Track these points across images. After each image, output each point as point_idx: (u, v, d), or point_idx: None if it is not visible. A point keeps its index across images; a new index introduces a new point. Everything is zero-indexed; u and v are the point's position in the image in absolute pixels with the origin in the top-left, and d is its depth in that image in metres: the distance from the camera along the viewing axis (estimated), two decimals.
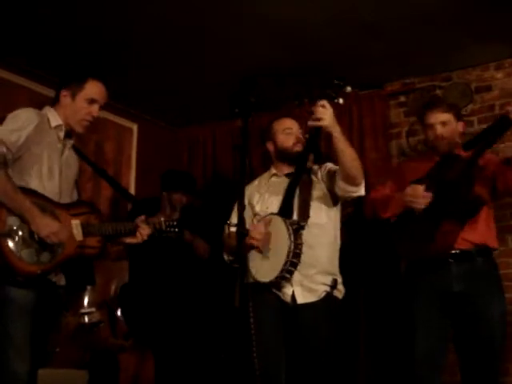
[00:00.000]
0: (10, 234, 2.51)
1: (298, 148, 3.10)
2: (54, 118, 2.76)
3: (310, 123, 2.77)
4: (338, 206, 3.13)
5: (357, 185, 2.91)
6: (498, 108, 4.16)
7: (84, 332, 3.45)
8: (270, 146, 3.19)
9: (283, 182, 3.09)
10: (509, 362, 3.68)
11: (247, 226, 3.02)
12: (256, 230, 2.89)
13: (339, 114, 4.60)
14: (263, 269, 2.87)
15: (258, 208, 3.11)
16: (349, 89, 2.82)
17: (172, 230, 3.01)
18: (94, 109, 2.79)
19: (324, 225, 3.00)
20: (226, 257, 3.16)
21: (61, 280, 2.74)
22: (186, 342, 4.00)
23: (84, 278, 3.51)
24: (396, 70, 4.39)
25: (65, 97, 2.78)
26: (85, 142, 4.55)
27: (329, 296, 2.92)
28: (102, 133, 4.80)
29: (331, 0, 3.47)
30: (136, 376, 3.81)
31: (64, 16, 3.60)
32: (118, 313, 3.71)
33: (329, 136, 2.84)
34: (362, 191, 2.96)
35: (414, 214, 2.92)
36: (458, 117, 3.10)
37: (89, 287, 3.58)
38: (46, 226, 2.55)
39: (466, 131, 4.10)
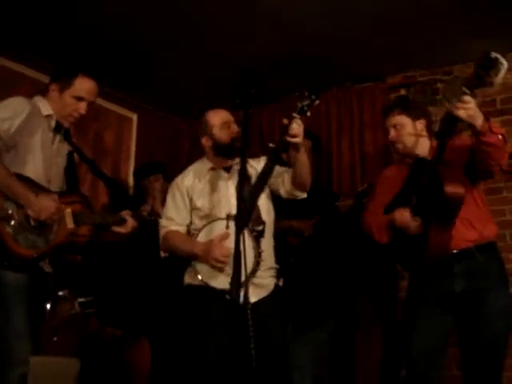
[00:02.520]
0: (7, 219, 2.54)
1: (238, 143, 3.02)
2: (45, 107, 2.76)
3: (287, 139, 2.78)
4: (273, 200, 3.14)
5: (305, 190, 3.02)
6: (499, 102, 4.16)
7: (79, 320, 3.47)
8: (207, 142, 3.11)
9: (223, 176, 3.07)
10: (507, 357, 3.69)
11: (186, 221, 3.04)
12: (220, 251, 2.81)
13: (339, 107, 4.68)
14: (216, 274, 2.84)
15: (199, 203, 3.03)
16: (317, 102, 2.85)
17: (155, 222, 3.10)
18: (82, 106, 2.77)
19: (266, 222, 2.98)
20: (162, 254, 3.13)
21: (48, 267, 2.76)
22: (182, 329, 4.01)
23: (81, 267, 3.52)
24: (397, 63, 4.39)
25: (53, 91, 2.77)
26: (84, 131, 4.55)
27: (276, 287, 2.99)
28: (102, 122, 4.80)
29: None
30: (130, 364, 3.81)
31: (65, 6, 3.59)
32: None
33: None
34: (305, 195, 3.06)
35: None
36: (415, 116, 3.05)
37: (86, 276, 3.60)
38: (45, 208, 2.58)
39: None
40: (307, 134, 3.18)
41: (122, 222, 2.90)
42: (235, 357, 2.52)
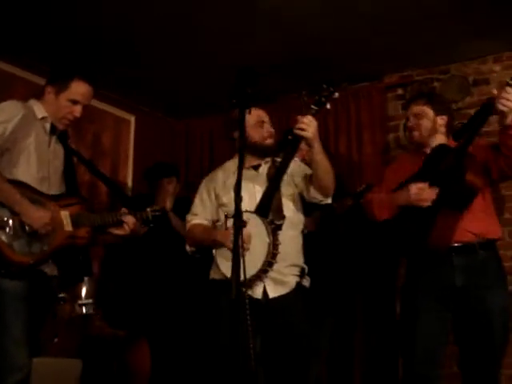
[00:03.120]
0: (2, 226, 2.53)
1: (269, 142, 3.09)
2: (39, 110, 2.76)
3: (295, 132, 2.81)
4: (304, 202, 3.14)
5: (327, 195, 2.99)
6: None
7: (80, 322, 3.47)
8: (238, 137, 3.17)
9: (251, 174, 3.09)
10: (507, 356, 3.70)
11: (211, 217, 3.10)
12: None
13: (336, 106, 4.69)
14: None
15: (225, 199, 3.06)
16: (337, 94, 2.86)
17: (158, 218, 3.06)
18: (77, 109, 2.77)
19: (291, 218, 3.00)
20: (188, 248, 3.16)
21: (53, 270, 2.75)
22: (181, 331, 4.02)
23: (82, 269, 3.53)
24: (394, 63, 4.39)
25: (49, 93, 2.77)
26: (82, 134, 4.55)
27: (299, 285, 2.96)
28: (100, 124, 4.80)
29: None
30: (131, 365, 3.82)
31: (62, 8, 3.59)
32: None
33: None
34: (329, 200, 3.04)
35: (409, 210, 2.92)
36: (439, 110, 3.09)
37: (86, 278, 3.60)
38: (39, 217, 2.57)
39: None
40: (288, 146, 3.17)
41: (121, 222, 2.88)
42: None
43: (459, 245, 2.88)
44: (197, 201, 3.17)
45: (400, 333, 3.13)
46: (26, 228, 2.56)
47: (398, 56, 4.26)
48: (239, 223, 2.25)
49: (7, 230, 2.54)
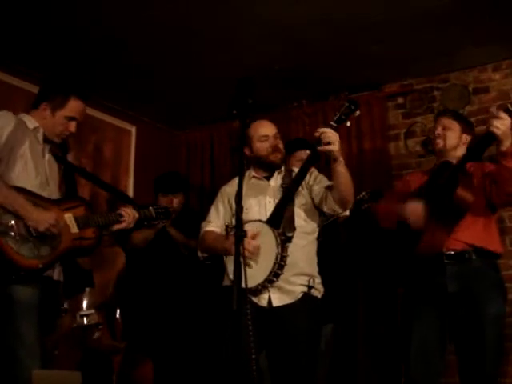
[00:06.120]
0: (7, 231, 2.53)
1: (274, 157, 3.12)
2: (30, 121, 2.79)
3: (320, 148, 2.81)
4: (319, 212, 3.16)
5: (345, 208, 3.01)
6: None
7: (81, 333, 3.45)
8: (247, 151, 3.17)
9: (263, 184, 3.14)
10: (507, 364, 3.68)
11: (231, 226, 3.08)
12: (251, 244, 2.85)
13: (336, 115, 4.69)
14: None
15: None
16: (358, 112, 2.90)
17: (162, 216, 3.09)
18: (72, 125, 2.84)
19: (302, 228, 3.01)
20: (199, 254, 3.19)
21: (59, 275, 2.77)
22: (183, 343, 4.01)
23: (83, 280, 3.52)
24: (394, 72, 4.41)
25: (44, 110, 2.81)
26: (83, 144, 4.56)
27: (306, 296, 2.94)
28: (101, 135, 4.81)
29: (331, 1, 3.48)
30: (132, 378, 3.80)
31: (62, 18, 3.60)
32: (117, 315, 3.71)
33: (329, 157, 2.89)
34: (347, 213, 3.09)
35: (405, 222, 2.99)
36: (466, 129, 3.17)
37: (87, 289, 3.59)
38: (43, 219, 2.58)
39: None
40: (307, 144, 3.19)
41: (121, 217, 2.89)
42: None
43: (452, 252, 2.91)
44: (212, 209, 3.21)
45: (400, 339, 3.16)
46: (32, 232, 2.57)
47: (397, 65, 4.28)
48: (240, 233, 2.25)
49: (13, 234, 2.54)
